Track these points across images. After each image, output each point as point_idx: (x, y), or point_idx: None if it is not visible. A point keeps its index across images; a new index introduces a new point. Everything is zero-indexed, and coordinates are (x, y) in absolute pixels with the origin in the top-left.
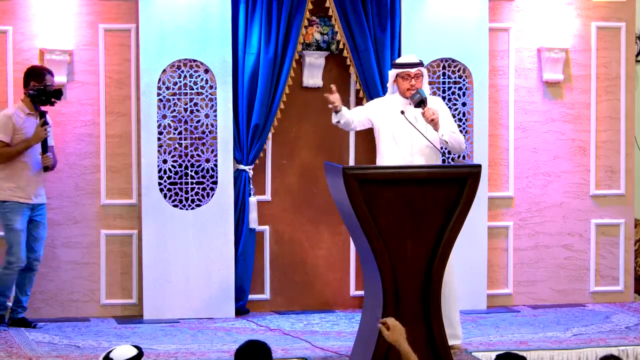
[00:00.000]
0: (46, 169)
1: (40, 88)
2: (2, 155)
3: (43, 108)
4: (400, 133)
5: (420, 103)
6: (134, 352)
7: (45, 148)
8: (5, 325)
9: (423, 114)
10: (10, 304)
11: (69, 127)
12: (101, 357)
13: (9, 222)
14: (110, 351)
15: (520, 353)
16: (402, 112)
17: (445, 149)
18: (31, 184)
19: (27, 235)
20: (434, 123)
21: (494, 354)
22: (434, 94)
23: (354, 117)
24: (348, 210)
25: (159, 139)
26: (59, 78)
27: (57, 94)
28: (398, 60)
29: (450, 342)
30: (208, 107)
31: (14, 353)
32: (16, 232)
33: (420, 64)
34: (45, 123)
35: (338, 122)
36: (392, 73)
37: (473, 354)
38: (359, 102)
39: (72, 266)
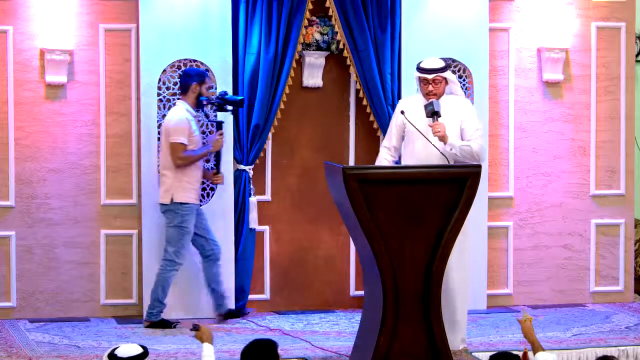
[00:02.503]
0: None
1: (220, 98)
2: (187, 159)
3: (219, 117)
4: (416, 132)
5: (432, 115)
6: (139, 350)
7: (219, 159)
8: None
9: (432, 127)
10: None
11: (69, 127)
12: (106, 354)
13: (185, 224)
14: (115, 348)
15: (517, 353)
16: (403, 112)
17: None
18: (199, 186)
19: (199, 228)
20: (441, 138)
21: None
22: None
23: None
24: (348, 210)
25: (159, 139)
26: (59, 78)
27: (240, 103)
28: (421, 64)
29: (460, 346)
30: (208, 107)
31: (14, 353)
32: (188, 234)
33: (441, 69)
34: (222, 133)
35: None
36: (415, 74)
37: (473, 354)
38: (359, 101)
39: (72, 266)
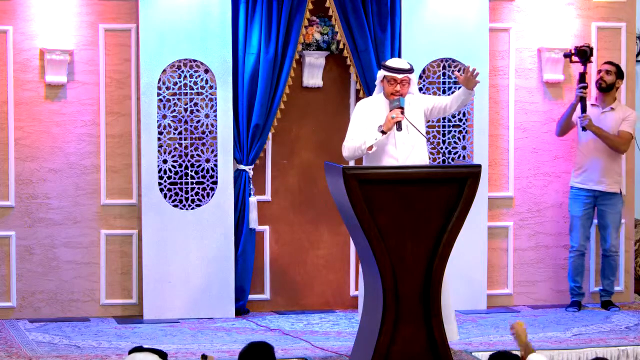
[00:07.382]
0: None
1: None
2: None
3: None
4: (388, 136)
5: (398, 108)
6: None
7: (584, 108)
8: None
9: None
10: (580, 289)
11: (69, 127)
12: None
13: (570, 208)
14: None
15: (516, 352)
16: (403, 112)
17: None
18: (588, 169)
19: (596, 222)
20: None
21: None
22: (434, 94)
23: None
24: (348, 210)
25: (159, 139)
26: (59, 78)
27: (584, 54)
28: (388, 63)
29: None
30: (208, 107)
31: (14, 353)
32: (571, 218)
33: (409, 70)
34: (583, 87)
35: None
36: (380, 74)
37: (473, 354)
38: (359, 101)
39: (72, 266)
